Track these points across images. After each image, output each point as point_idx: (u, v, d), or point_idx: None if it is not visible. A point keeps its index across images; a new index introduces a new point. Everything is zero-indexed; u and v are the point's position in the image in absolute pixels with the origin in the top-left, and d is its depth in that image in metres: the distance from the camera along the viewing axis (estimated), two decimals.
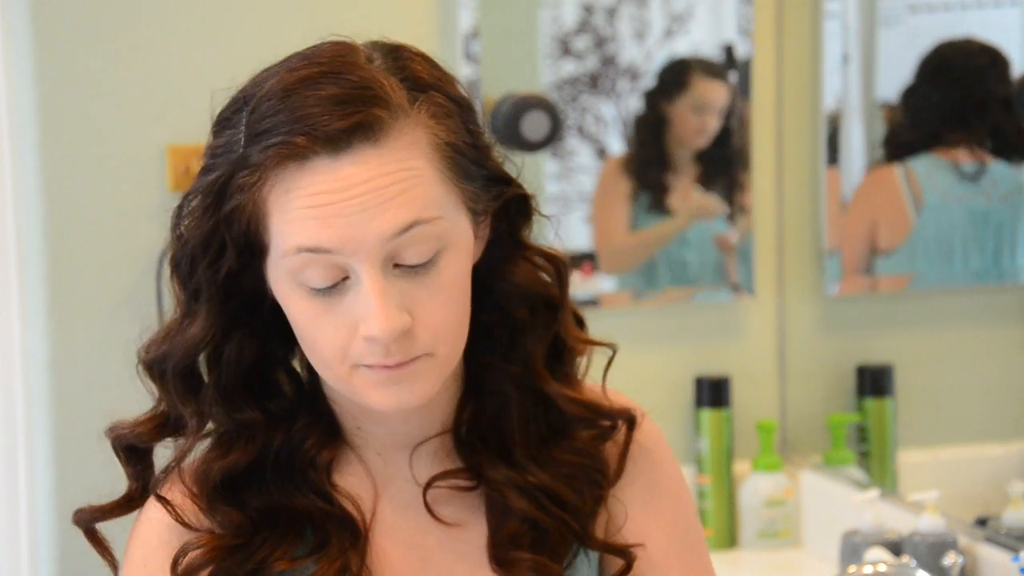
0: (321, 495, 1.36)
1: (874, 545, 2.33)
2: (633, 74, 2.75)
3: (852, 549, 2.38)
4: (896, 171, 2.76)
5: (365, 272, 1.26)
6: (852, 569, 2.10)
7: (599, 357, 1.44)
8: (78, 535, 1.42)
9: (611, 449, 1.42)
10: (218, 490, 1.35)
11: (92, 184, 2.55)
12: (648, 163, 2.79)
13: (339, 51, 1.31)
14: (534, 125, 2.61)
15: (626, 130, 2.78)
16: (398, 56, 1.32)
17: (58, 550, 2.56)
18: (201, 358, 1.35)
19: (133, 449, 1.39)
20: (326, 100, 1.26)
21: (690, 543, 1.45)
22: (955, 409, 2.79)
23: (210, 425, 1.37)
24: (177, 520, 1.35)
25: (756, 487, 2.74)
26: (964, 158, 2.70)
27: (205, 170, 1.31)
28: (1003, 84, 2.67)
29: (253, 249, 1.30)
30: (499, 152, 1.37)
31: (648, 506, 1.43)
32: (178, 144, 2.56)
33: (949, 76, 2.72)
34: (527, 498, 1.37)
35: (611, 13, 2.74)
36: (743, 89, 2.78)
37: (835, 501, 2.64)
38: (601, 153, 2.78)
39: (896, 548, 2.32)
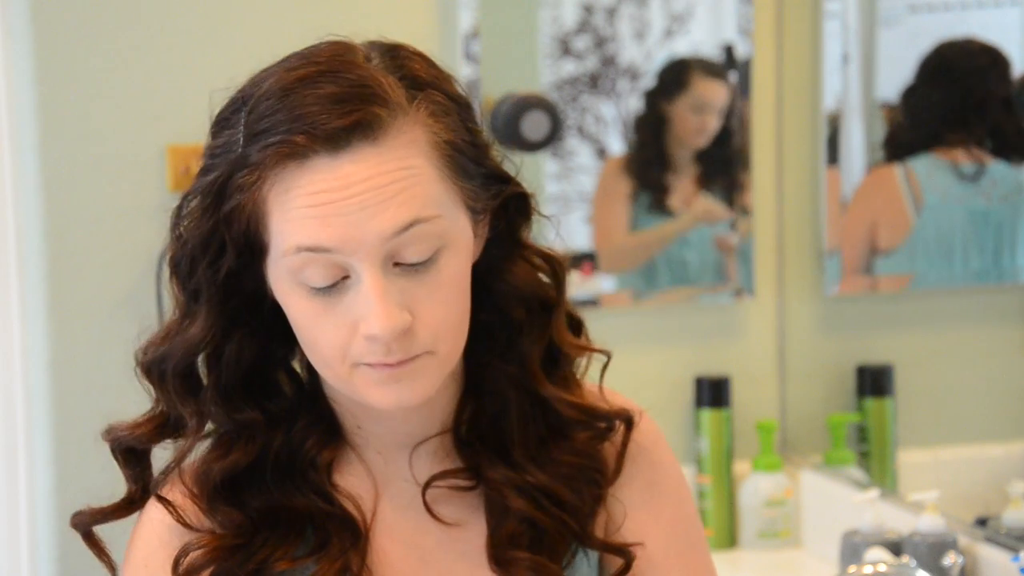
0: (321, 495, 1.36)
1: (874, 545, 2.33)
2: (633, 74, 2.75)
3: (852, 549, 2.38)
4: (896, 171, 2.76)
5: (365, 271, 1.26)
6: (852, 569, 2.10)
7: (598, 357, 1.44)
8: (78, 536, 1.42)
9: (609, 449, 1.42)
10: (218, 490, 1.35)
11: (92, 184, 2.55)
12: (648, 163, 2.79)
13: (337, 50, 1.31)
14: (534, 125, 2.61)
15: (626, 130, 2.78)
16: (396, 55, 1.32)
17: (58, 550, 2.56)
18: (200, 359, 1.35)
19: (131, 451, 1.39)
20: (325, 99, 1.26)
21: (690, 541, 1.45)
22: (955, 409, 2.79)
23: (210, 426, 1.37)
24: (178, 520, 1.35)
25: (756, 487, 2.74)
26: (964, 158, 2.70)
27: (204, 170, 1.31)
28: (1003, 84, 2.67)
29: (253, 249, 1.30)
30: (498, 151, 1.37)
31: (647, 505, 1.43)
32: (178, 144, 2.56)
33: (949, 76, 2.72)
34: (526, 498, 1.37)
35: (611, 13, 2.74)
36: (743, 89, 2.78)
37: (835, 501, 2.64)
38: (601, 153, 2.78)
39: (896, 548, 2.32)
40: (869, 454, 2.76)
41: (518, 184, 1.36)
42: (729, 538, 2.76)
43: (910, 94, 2.73)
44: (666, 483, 1.45)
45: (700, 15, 2.76)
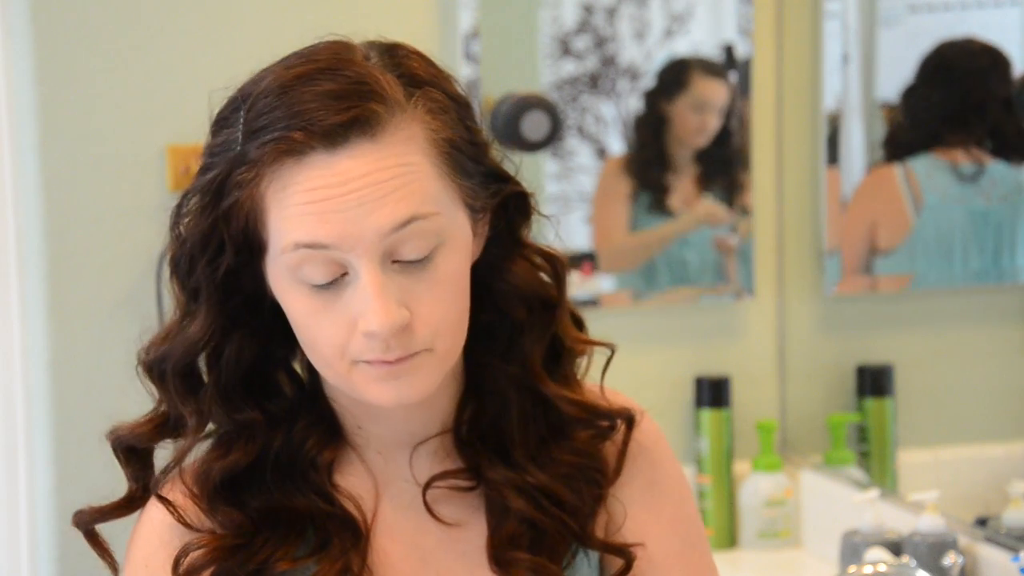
0: (322, 495, 1.36)
1: (874, 545, 2.33)
2: (633, 74, 2.75)
3: (852, 549, 2.38)
4: (896, 171, 2.76)
5: (363, 267, 1.26)
6: (852, 569, 2.10)
7: (598, 357, 1.44)
8: (78, 535, 1.42)
9: (610, 449, 1.42)
10: (218, 490, 1.35)
11: (92, 184, 2.55)
12: (648, 163, 2.79)
13: (336, 49, 1.31)
14: (534, 125, 2.61)
15: (626, 130, 2.78)
16: (394, 54, 1.32)
17: (58, 550, 2.56)
18: (201, 359, 1.35)
19: (133, 450, 1.39)
20: (322, 95, 1.26)
21: (691, 541, 1.45)
22: (955, 409, 2.79)
23: (210, 426, 1.37)
24: (179, 520, 1.35)
25: (756, 487, 2.74)
26: (964, 158, 2.70)
27: (203, 169, 1.31)
28: (1003, 84, 2.67)
29: (251, 247, 1.30)
30: (498, 151, 1.37)
31: (648, 505, 1.43)
32: (178, 144, 2.56)
33: (949, 76, 2.72)
34: (526, 498, 1.37)
35: (611, 13, 2.74)
36: (743, 89, 2.78)
37: (835, 501, 2.64)
38: (601, 153, 2.78)
39: (896, 548, 2.32)
40: (869, 454, 2.76)
41: (517, 183, 1.36)
42: (729, 538, 2.76)
43: (910, 94, 2.73)
44: (667, 483, 1.45)
45: (700, 15, 2.76)
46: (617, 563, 1.40)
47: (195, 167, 1.34)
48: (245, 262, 1.31)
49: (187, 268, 1.32)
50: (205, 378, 1.36)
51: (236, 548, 1.34)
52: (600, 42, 2.74)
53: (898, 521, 2.40)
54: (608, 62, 2.75)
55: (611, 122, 2.76)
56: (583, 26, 2.74)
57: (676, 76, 2.78)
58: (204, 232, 1.30)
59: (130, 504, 1.40)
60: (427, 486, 1.38)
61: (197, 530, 1.35)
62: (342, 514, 1.36)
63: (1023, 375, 2.70)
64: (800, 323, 2.83)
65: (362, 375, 1.29)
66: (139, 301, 2.55)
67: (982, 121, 2.70)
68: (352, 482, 1.39)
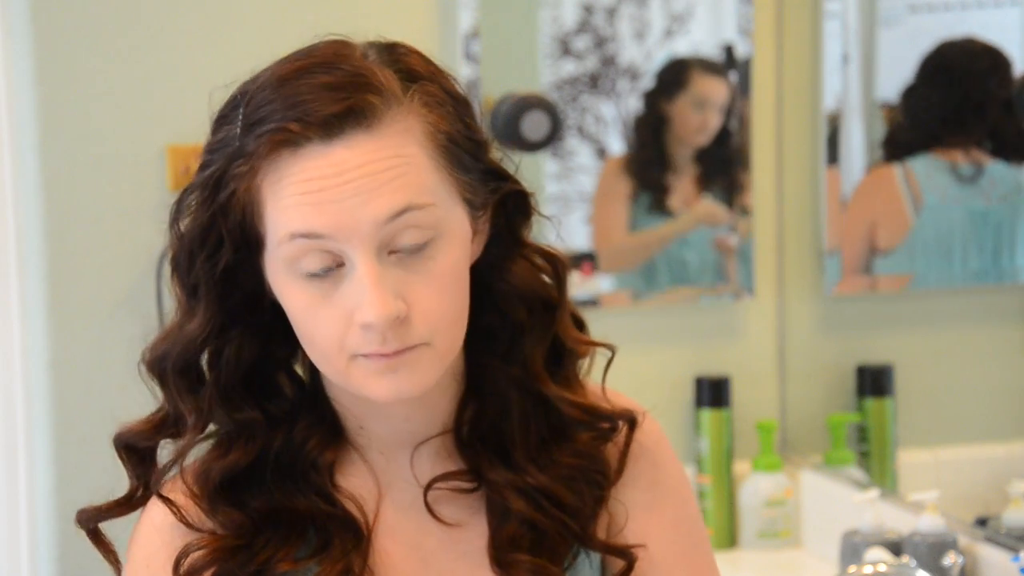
0: (323, 496, 1.36)
1: (874, 545, 2.33)
2: (633, 74, 2.75)
3: (852, 549, 2.38)
4: (895, 171, 2.76)
5: (359, 258, 1.27)
6: (852, 569, 2.10)
7: (599, 358, 1.44)
8: (78, 535, 1.42)
9: (612, 450, 1.42)
10: (219, 490, 1.35)
11: (92, 184, 2.55)
12: (648, 163, 2.79)
13: (335, 47, 1.32)
14: (534, 125, 2.61)
15: (626, 130, 2.78)
16: (393, 51, 1.33)
17: (58, 550, 2.56)
18: (203, 360, 1.36)
19: (133, 448, 1.39)
20: (319, 87, 1.27)
21: (693, 542, 1.45)
22: (955, 409, 2.79)
23: (211, 427, 1.37)
24: (180, 520, 1.35)
25: (756, 487, 2.74)
26: (963, 158, 2.70)
27: (203, 166, 1.32)
28: (1003, 85, 2.67)
29: (249, 242, 1.31)
30: (497, 150, 1.37)
31: (650, 506, 1.43)
32: (178, 144, 2.56)
33: (949, 76, 2.72)
34: (526, 500, 1.37)
35: (611, 13, 2.74)
36: (743, 89, 2.78)
37: (835, 501, 2.64)
38: (601, 153, 2.78)
39: (896, 548, 2.32)
40: (869, 454, 2.76)
41: (517, 182, 1.36)
42: (729, 538, 2.76)
43: (910, 94, 2.73)
44: (669, 484, 1.44)
45: (700, 15, 2.77)
46: (619, 564, 1.40)
47: (195, 167, 1.34)
48: (244, 258, 1.31)
49: (186, 263, 1.33)
50: (207, 377, 1.36)
51: (237, 549, 1.34)
52: (600, 42, 2.74)
53: (898, 521, 2.40)
54: (608, 62, 2.75)
55: (611, 122, 2.76)
56: (583, 26, 2.74)
57: (676, 75, 2.78)
58: (202, 227, 1.31)
59: (131, 502, 1.40)
60: (428, 487, 1.38)
61: (198, 530, 1.35)
62: (343, 515, 1.36)
63: (1023, 375, 2.70)
64: (800, 323, 2.83)
65: (360, 369, 1.29)
66: (139, 301, 2.55)
67: (981, 121, 2.70)
68: (354, 483, 1.38)
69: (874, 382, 2.77)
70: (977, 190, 2.70)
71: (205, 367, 1.36)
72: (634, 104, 2.76)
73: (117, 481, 1.41)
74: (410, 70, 1.31)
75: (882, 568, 2.07)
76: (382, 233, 1.27)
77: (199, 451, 1.38)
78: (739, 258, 2.82)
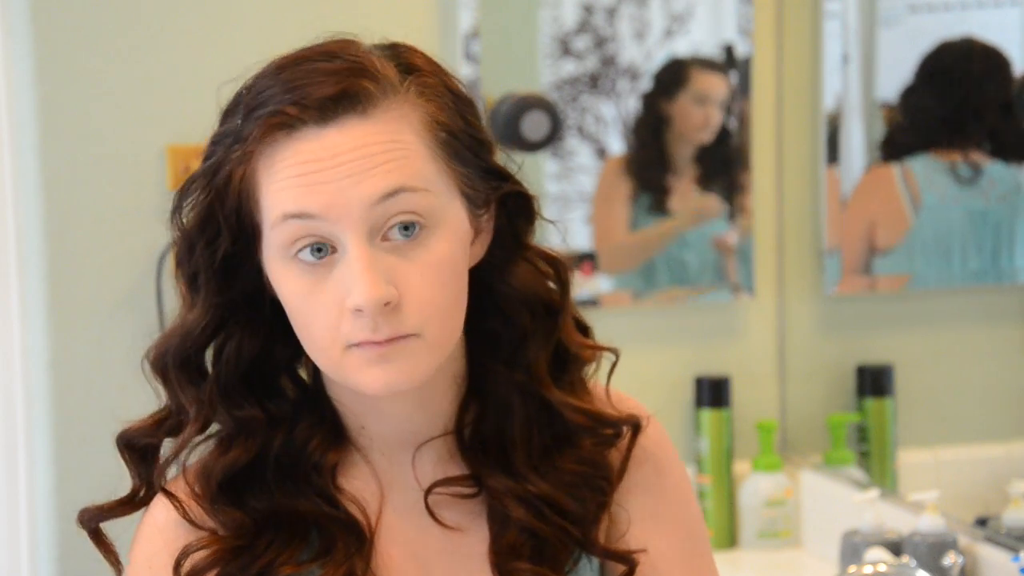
0: (326, 498, 1.36)
1: (874, 545, 2.33)
2: (633, 74, 2.75)
3: (852, 549, 2.38)
4: (894, 171, 2.76)
5: (351, 241, 1.27)
6: (852, 569, 2.10)
7: (605, 360, 1.43)
8: (78, 535, 1.41)
9: (615, 454, 1.41)
10: (221, 490, 1.35)
11: (92, 184, 2.55)
12: (649, 165, 2.79)
13: (339, 42, 1.33)
14: (534, 125, 2.61)
15: (626, 130, 2.78)
16: (395, 48, 1.34)
17: (58, 550, 2.56)
18: (206, 358, 1.36)
19: (137, 446, 1.39)
20: (315, 72, 1.28)
21: (694, 547, 1.44)
22: (955, 409, 2.79)
23: (213, 428, 1.37)
24: (183, 516, 1.35)
25: (756, 487, 2.74)
26: (962, 159, 2.70)
27: (206, 157, 1.33)
28: (1003, 85, 2.67)
29: (246, 230, 1.31)
30: (502, 152, 1.37)
31: (652, 511, 1.42)
32: (178, 144, 2.56)
33: (949, 77, 2.72)
34: (526, 508, 1.36)
35: (611, 13, 2.74)
36: (743, 89, 2.78)
37: (835, 501, 2.64)
38: (601, 153, 2.78)
39: (896, 548, 2.32)
40: (869, 454, 2.76)
41: (519, 183, 1.36)
42: (729, 538, 2.76)
43: (909, 94, 2.73)
44: (671, 489, 1.44)
45: (700, 15, 2.77)
46: (620, 568, 1.40)
47: (195, 167, 1.35)
48: (242, 250, 1.32)
49: (187, 253, 1.33)
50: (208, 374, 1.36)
51: (239, 550, 1.34)
52: (600, 42, 2.74)
53: (898, 521, 2.40)
54: (608, 62, 2.75)
55: (611, 122, 2.76)
56: (583, 26, 2.74)
57: (675, 74, 2.78)
58: (201, 214, 1.32)
59: (134, 502, 1.39)
60: (428, 491, 1.37)
61: (200, 528, 1.35)
62: (346, 518, 1.36)
63: (1023, 375, 2.70)
64: (800, 323, 2.83)
65: (353, 360, 1.29)
66: (139, 301, 2.55)
67: (981, 121, 2.70)
68: (356, 485, 1.38)
69: (874, 382, 2.77)
70: (976, 190, 2.70)
71: (209, 365, 1.36)
72: (634, 104, 2.76)
73: (118, 481, 1.41)
74: (410, 63, 1.32)
75: (882, 568, 2.07)
76: (374, 215, 1.27)
77: (201, 453, 1.38)
78: (739, 258, 2.82)
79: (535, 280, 1.39)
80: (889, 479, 2.76)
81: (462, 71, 2.65)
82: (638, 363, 2.75)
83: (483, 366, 1.38)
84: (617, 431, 1.40)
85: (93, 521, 1.39)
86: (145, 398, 1.41)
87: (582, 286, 2.76)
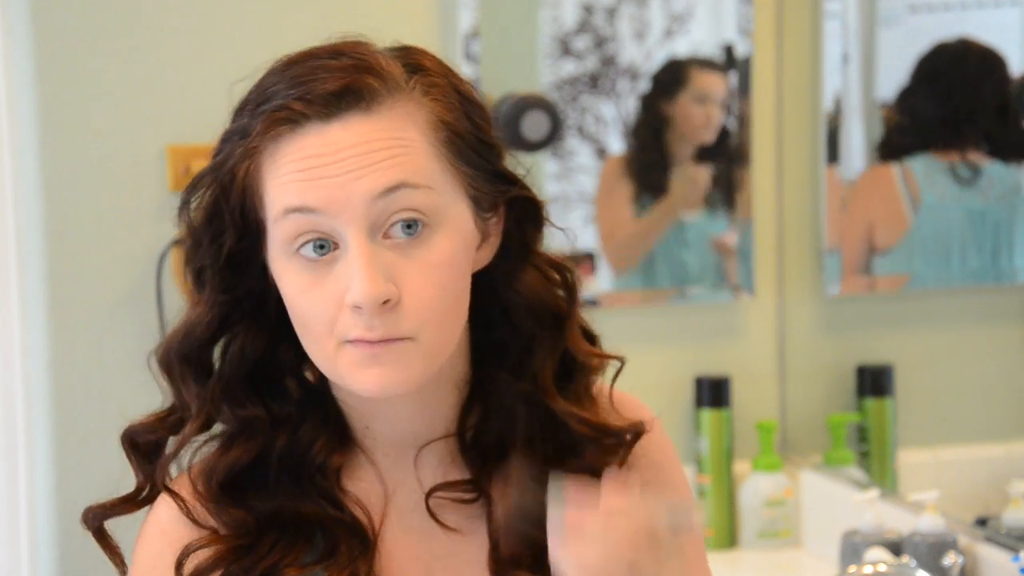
0: (331, 500, 1.36)
1: (874, 545, 2.33)
2: (633, 74, 2.75)
3: (852, 549, 2.38)
4: (894, 171, 2.76)
5: (351, 236, 1.27)
6: (852, 569, 2.10)
7: (610, 365, 1.43)
8: (78, 535, 1.41)
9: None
10: (223, 489, 1.35)
11: (92, 184, 2.55)
12: (649, 164, 2.79)
13: (348, 42, 1.33)
14: (534, 125, 2.61)
15: (626, 130, 2.77)
16: (405, 49, 1.34)
17: (58, 550, 2.56)
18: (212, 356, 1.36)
19: (141, 444, 1.39)
20: (321, 69, 1.29)
21: (692, 552, 1.44)
22: (955, 409, 2.79)
23: (216, 429, 1.37)
24: (186, 514, 1.35)
25: (756, 487, 2.74)
26: (962, 159, 2.70)
27: (214, 155, 1.33)
28: (1002, 85, 2.67)
29: (250, 227, 1.31)
30: (511, 156, 1.37)
31: None
32: (178, 144, 2.56)
33: (948, 77, 2.72)
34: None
35: (611, 13, 2.74)
36: (743, 89, 2.78)
37: (835, 501, 2.64)
38: (601, 153, 2.78)
39: (896, 548, 2.32)
40: (869, 454, 2.76)
41: (527, 188, 1.36)
42: (729, 538, 2.76)
43: (909, 94, 2.73)
44: (669, 492, 1.44)
45: (700, 15, 2.77)
46: None
47: (195, 167, 1.35)
48: (247, 247, 1.32)
49: (193, 248, 1.33)
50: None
51: (241, 550, 1.33)
52: (600, 42, 2.74)
53: (898, 521, 2.40)
54: (608, 62, 2.75)
55: (611, 122, 2.76)
56: (583, 26, 2.74)
57: (675, 74, 2.78)
58: (208, 210, 1.32)
59: (137, 500, 1.39)
60: (429, 494, 1.37)
61: (202, 526, 1.35)
62: (351, 521, 1.35)
63: (1023, 375, 2.70)
64: (800, 323, 2.83)
65: (347, 357, 1.29)
66: (139, 301, 2.55)
67: (980, 121, 2.70)
68: (361, 487, 1.38)
69: (874, 382, 2.77)
70: (976, 190, 2.70)
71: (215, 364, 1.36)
72: (634, 104, 2.76)
73: (118, 481, 1.41)
74: (417, 63, 1.32)
75: (882, 568, 2.07)
76: (375, 211, 1.27)
77: (204, 454, 1.38)
78: (739, 258, 2.82)
79: (543, 287, 1.38)
80: (889, 479, 2.76)
81: (462, 71, 2.64)
82: (638, 363, 2.72)
83: (488, 373, 1.38)
84: (620, 441, 1.40)
85: (97, 520, 1.39)
86: (146, 397, 1.41)
87: (582, 286, 2.75)
